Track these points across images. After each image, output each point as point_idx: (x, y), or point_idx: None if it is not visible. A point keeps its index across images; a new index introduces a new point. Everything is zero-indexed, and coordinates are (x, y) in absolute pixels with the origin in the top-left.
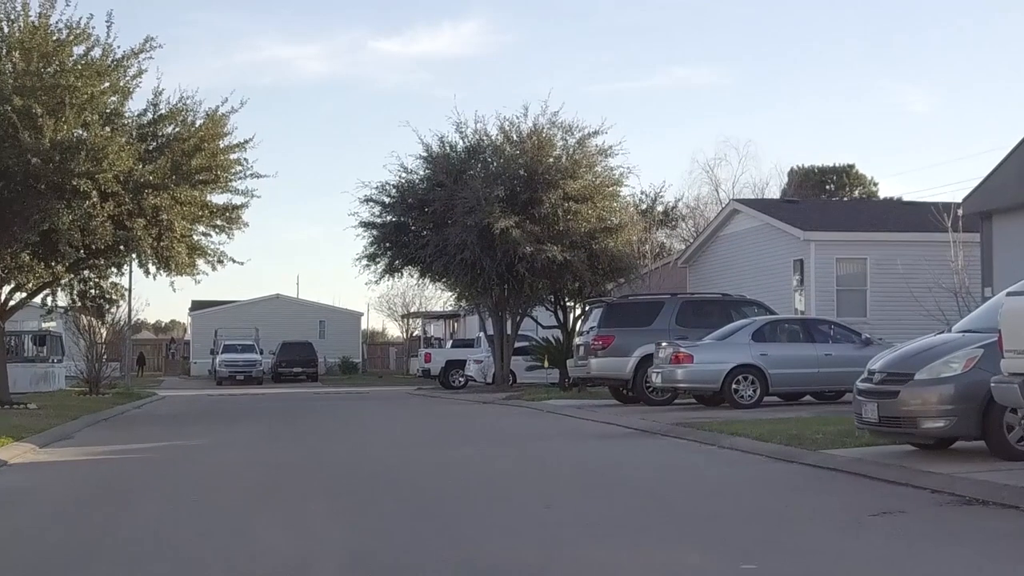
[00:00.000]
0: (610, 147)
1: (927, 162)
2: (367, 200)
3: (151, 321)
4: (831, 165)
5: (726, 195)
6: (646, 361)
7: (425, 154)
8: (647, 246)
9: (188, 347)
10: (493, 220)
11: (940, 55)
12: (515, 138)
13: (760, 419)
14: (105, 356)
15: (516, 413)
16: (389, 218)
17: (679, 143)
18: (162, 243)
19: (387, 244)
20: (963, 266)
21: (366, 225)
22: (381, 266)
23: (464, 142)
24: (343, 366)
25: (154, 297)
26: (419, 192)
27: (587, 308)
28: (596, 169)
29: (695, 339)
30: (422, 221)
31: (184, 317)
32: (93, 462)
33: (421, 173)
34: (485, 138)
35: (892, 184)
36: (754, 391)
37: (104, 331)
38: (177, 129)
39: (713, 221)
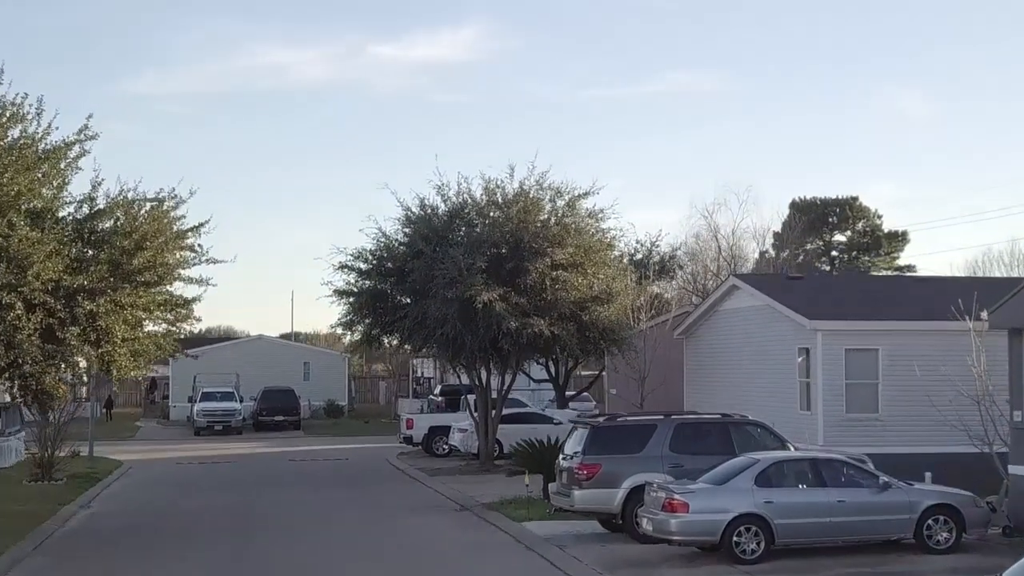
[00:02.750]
0: (601, 210)
1: (932, 184)
2: (342, 267)
3: None
4: (833, 197)
5: (726, 242)
6: (636, 492)
7: (405, 216)
8: (641, 299)
9: (168, 386)
10: (475, 293)
11: (945, 66)
12: (500, 200)
13: None
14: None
15: (485, 547)
16: (366, 283)
17: (676, 167)
18: (101, 349)
19: (364, 312)
20: (986, 369)
21: (341, 294)
22: (358, 334)
23: (446, 204)
24: (328, 409)
25: None
26: (398, 257)
27: (571, 427)
28: (586, 233)
29: (690, 467)
30: (401, 289)
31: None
32: None
33: (400, 238)
34: (468, 199)
35: (896, 215)
36: (758, 544)
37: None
38: (120, 223)
39: (711, 295)
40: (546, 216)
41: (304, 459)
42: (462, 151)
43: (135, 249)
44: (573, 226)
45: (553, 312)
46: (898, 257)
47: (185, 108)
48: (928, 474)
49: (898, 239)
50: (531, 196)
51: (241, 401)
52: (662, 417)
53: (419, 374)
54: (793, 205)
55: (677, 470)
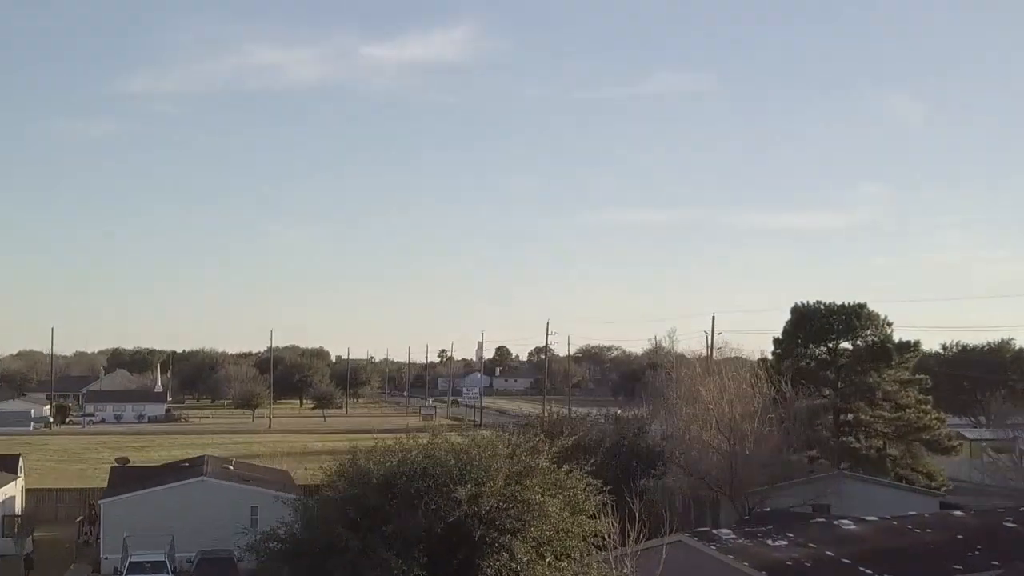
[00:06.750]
0: (570, 470)
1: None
2: (249, 550)
3: None
4: (839, 304)
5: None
6: None
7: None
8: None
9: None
10: None
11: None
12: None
13: None
14: None
15: None
16: (280, 567)
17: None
18: None
19: None
20: None
21: None
22: None
23: (379, 469)
24: None
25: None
26: (318, 541)
27: None
28: (553, 514)
29: None
30: None
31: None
32: None
33: (316, 511)
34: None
35: (905, 314)
36: None
37: None
38: None
39: None
40: (505, 479)
41: None
42: (456, 151)
43: None
44: (537, 504)
45: None
46: (909, 367)
47: (180, 108)
48: None
49: (909, 349)
50: (487, 451)
51: (175, 571)
52: None
53: None
54: (795, 311)
55: None
